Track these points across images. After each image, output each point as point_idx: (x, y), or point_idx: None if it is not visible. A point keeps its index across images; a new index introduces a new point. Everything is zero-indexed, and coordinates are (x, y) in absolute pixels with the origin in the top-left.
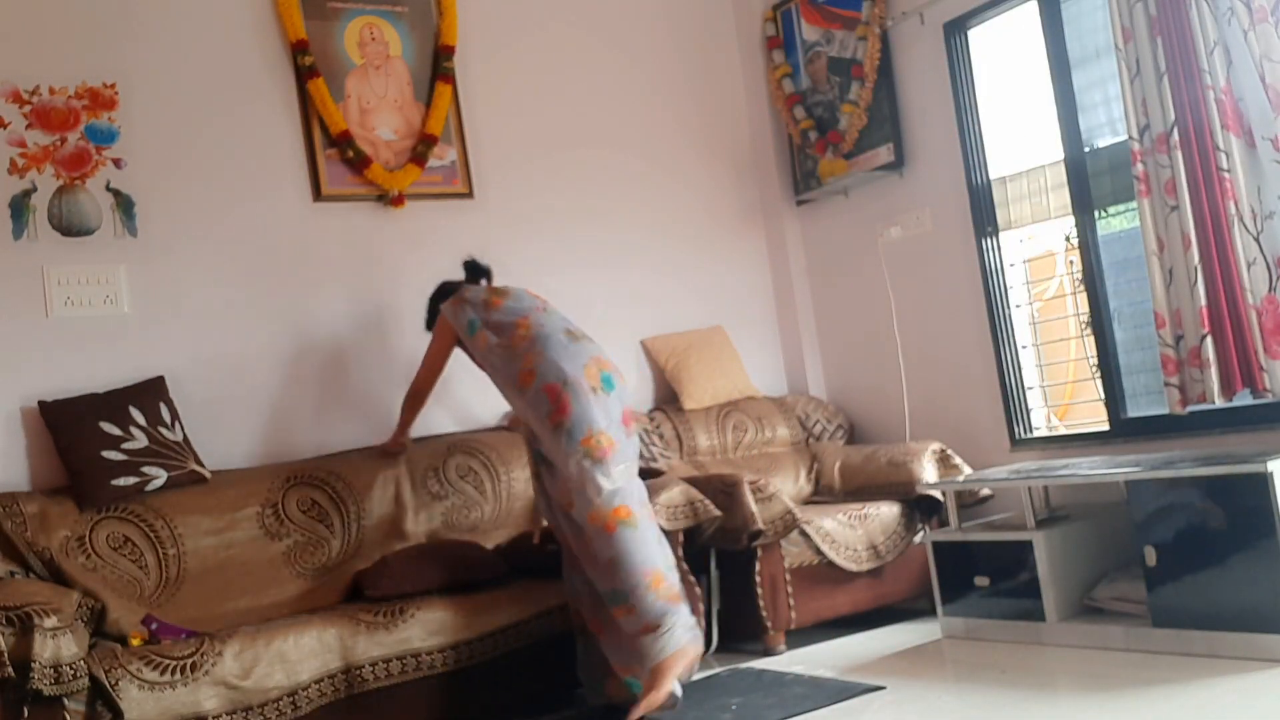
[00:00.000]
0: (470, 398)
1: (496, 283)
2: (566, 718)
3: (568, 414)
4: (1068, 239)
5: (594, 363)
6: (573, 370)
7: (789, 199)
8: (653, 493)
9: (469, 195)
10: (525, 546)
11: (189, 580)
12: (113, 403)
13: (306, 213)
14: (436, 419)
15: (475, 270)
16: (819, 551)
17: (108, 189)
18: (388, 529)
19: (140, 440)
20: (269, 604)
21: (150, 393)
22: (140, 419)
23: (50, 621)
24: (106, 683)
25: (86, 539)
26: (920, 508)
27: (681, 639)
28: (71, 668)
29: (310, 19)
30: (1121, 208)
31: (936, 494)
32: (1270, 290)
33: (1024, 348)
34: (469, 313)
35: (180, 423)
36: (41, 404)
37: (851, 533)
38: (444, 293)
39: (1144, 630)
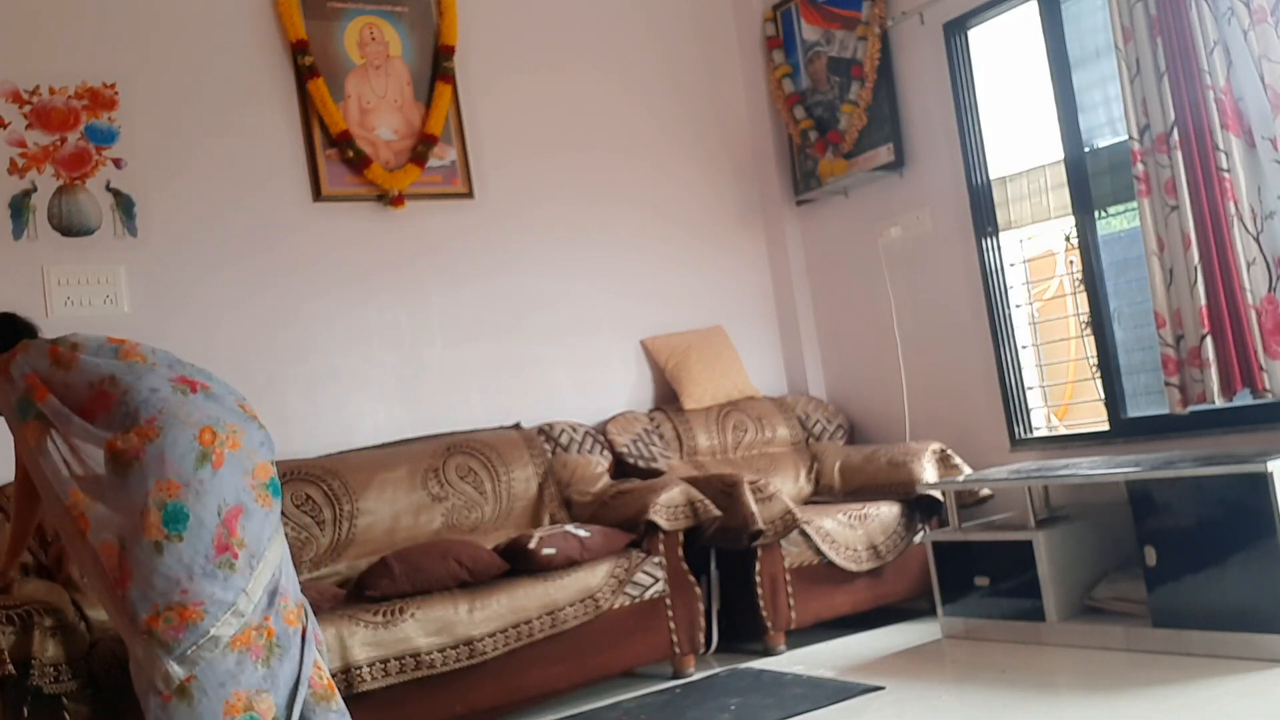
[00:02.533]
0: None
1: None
2: (572, 715)
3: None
4: (1068, 239)
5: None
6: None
7: (789, 199)
8: (653, 492)
9: (469, 195)
10: None
11: None
12: None
13: (306, 213)
14: (436, 418)
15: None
16: (819, 551)
17: (108, 189)
18: (386, 528)
19: None
20: None
21: None
22: None
23: (50, 620)
24: (106, 682)
25: None
26: (920, 508)
27: None
28: (72, 667)
29: (310, 19)
30: (1121, 208)
31: (936, 494)
32: (1270, 290)
33: (1024, 348)
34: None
35: None
36: None
37: (851, 533)
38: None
39: (1144, 630)
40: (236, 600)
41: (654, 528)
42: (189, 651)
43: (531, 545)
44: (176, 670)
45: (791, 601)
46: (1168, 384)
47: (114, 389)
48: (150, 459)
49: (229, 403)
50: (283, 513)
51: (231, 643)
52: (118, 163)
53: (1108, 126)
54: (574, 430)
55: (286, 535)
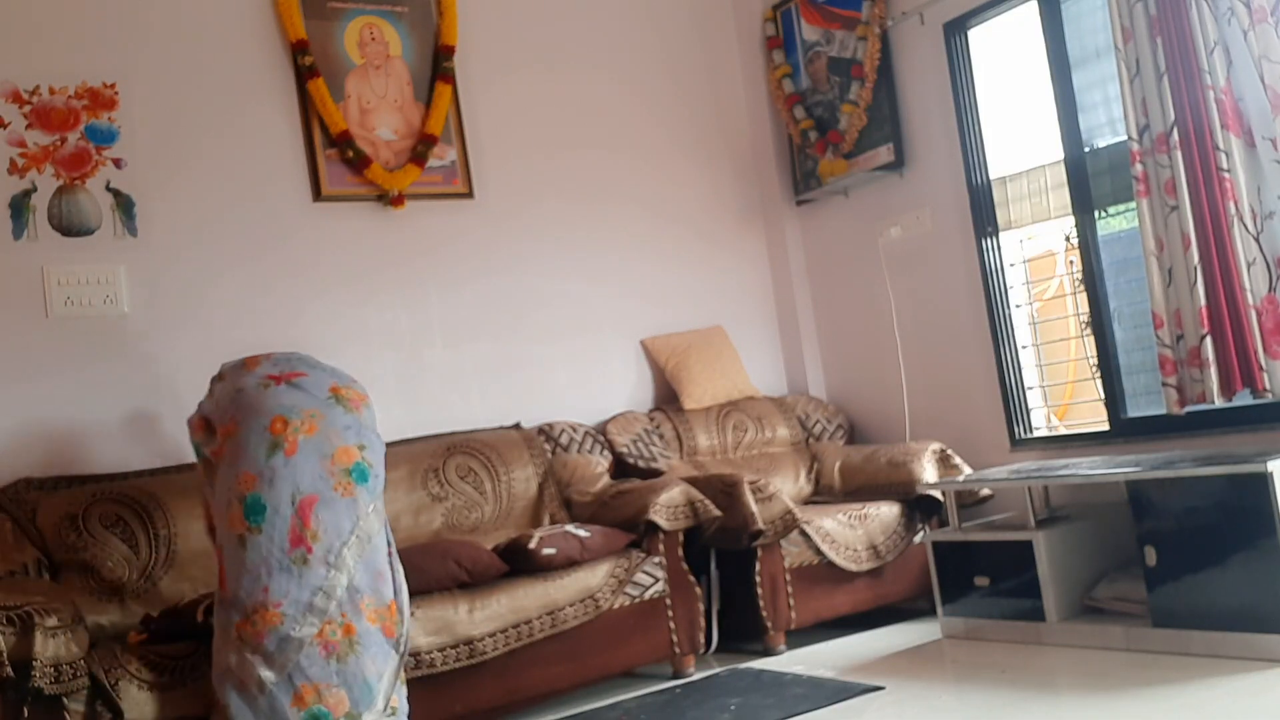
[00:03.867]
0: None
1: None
2: (572, 715)
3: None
4: (1068, 239)
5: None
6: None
7: (789, 199)
8: (653, 492)
9: (469, 195)
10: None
11: (177, 563)
12: None
13: (306, 213)
14: (436, 418)
15: None
16: (819, 551)
17: (108, 189)
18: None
19: None
20: None
21: None
22: None
23: (51, 621)
24: (106, 682)
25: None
26: (920, 508)
27: None
28: (71, 667)
29: (310, 19)
30: (1121, 208)
31: (936, 494)
32: (1270, 290)
33: (1024, 348)
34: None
35: None
36: None
37: (851, 533)
38: None
39: (1144, 630)
40: (314, 599)
41: (654, 528)
42: (275, 654)
43: (531, 545)
44: (269, 675)
45: (791, 601)
46: (1165, 384)
47: (227, 403)
48: (230, 453)
49: (318, 390)
50: None
51: (310, 639)
52: (118, 163)
53: (1108, 126)
54: (574, 430)
55: None
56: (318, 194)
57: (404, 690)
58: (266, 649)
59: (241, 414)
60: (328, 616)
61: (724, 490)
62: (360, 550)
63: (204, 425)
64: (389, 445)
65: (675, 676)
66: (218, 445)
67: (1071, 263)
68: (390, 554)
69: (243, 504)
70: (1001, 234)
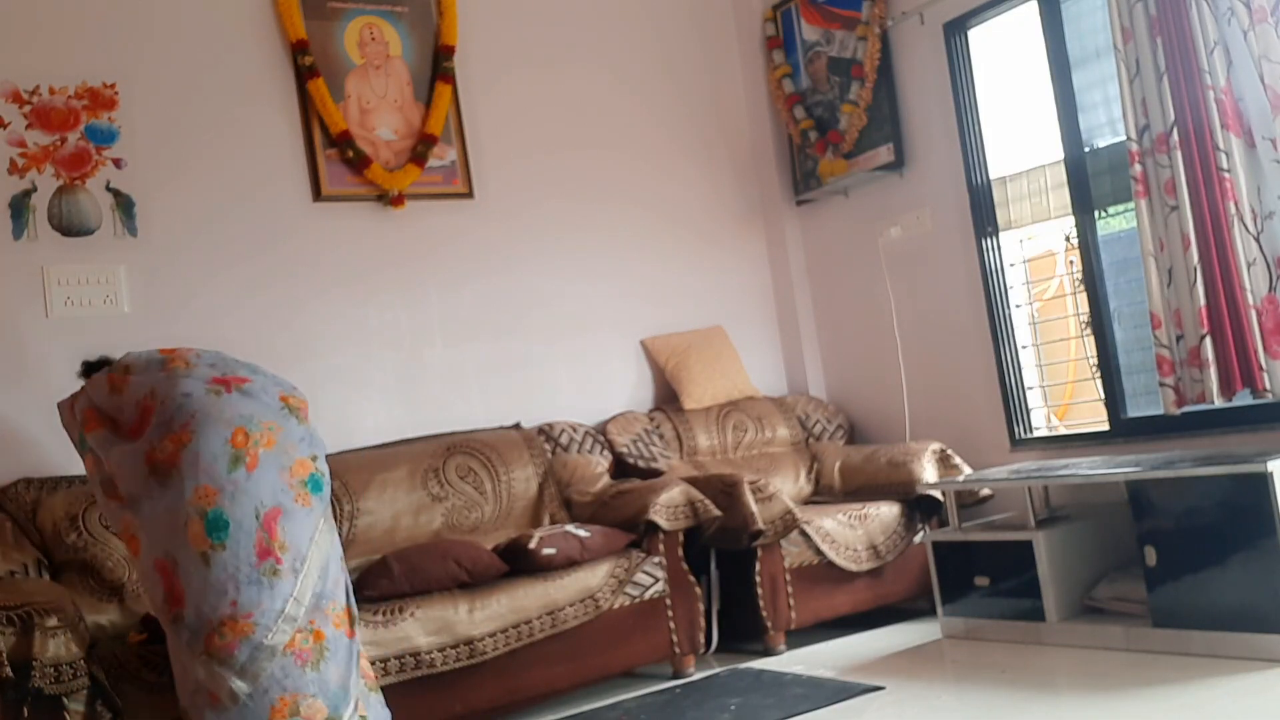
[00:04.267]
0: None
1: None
2: (572, 715)
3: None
4: (1068, 239)
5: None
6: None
7: (789, 199)
8: (653, 492)
9: (469, 195)
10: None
11: None
12: None
13: (306, 213)
14: (436, 418)
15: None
16: (819, 551)
17: (108, 189)
18: (386, 528)
19: None
20: None
21: None
22: None
23: (51, 621)
24: (106, 682)
25: (79, 518)
26: (920, 508)
27: None
28: (71, 667)
29: (310, 19)
30: (1121, 208)
31: (936, 494)
32: (1270, 290)
33: (1024, 348)
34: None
35: None
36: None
37: (851, 533)
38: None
39: (1144, 630)
40: (286, 607)
41: (654, 528)
42: (248, 665)
43: (531, 545)
44: (241, 686)
45: (791, 601)
46: (1162, 384)
47: (153, 401)
48: (186, 464)
49: (268, 398)
50: None
51: (283, 648)
52: (118, 163)
53: (1108, 126)
54: (574, 430)
55: None
56: (318, 194)
57: (377, 697)
58: (238, 660)
59: (196, 423)
60: (298, 625)
61: (724, 490)
62: (320, 556)
63: (97, 417)
64: (389, 445)
65: (675, 676)
66: (168, 450)
67: (1071, 263)
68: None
69: (204, 520)
70: (1001, 234)
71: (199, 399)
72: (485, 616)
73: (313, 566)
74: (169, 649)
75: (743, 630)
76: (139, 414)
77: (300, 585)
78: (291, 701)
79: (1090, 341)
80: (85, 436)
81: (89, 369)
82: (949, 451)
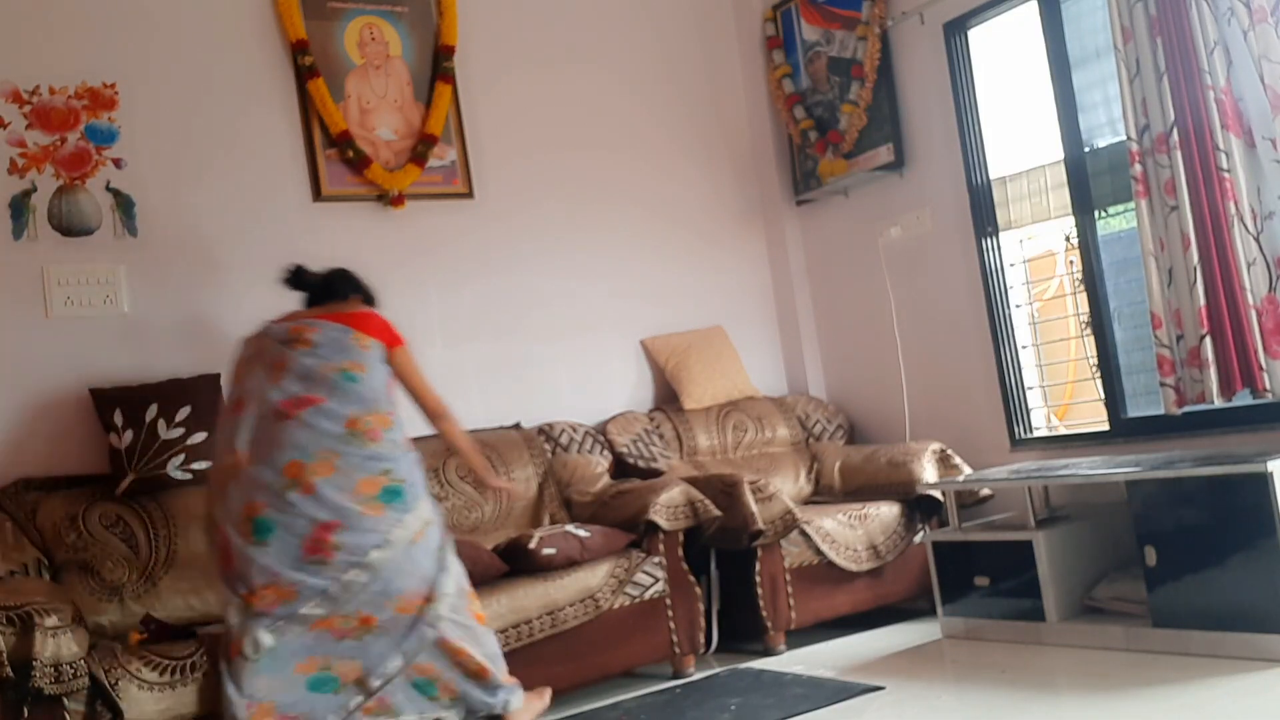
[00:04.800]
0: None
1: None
2: (572, 715)
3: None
4: (1068, 239)
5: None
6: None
7: (789, 199)
8: (653, 492)
9: (469, 195)
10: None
11: (177, 564)
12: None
13: (306, 213)
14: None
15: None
16: (819, 551)
17: (108, 189)
18: None
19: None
20: None
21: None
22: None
23: (51, 621)
24: (106, 682)
25: (79, 518)
26: (920, 508)
27: None
28: (72, 667)
29: (310, 19)
30: (1121, 208)
31: (936, 494)
32: (1270, 290)
33: (1024, 348)
34: None
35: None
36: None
37: (851, 533)
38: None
39: (1144, 630)
40: (328, 586)
41: (654, 528)
42: (279, 623)
43: (531, 545)
44: (266, 639)
45: (791, 601)
46: (1163, 384)
47: (248, 399)
48: (244, 481)
49: (335, 424)
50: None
51: (313, 624)
52: (118, 163)
53: (1108, 126)
54: (574, 430)
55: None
56: (318, 194)
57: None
58: (275, 615)
59: (256, 451)
60: (340, 610)
61: (724, 490)
62: (390, 554)
63: (253, 354)
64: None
65: (675, 676)
66: (237, 461)
67: (1071, 263)
68: (442, 548)
69: (252, 523)
70: (1001, 234)
71: (268, 420)
72: (485, 616)
73: (372, 568)
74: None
75: (743, 630)
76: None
77: (352, 575)
78: (322, 660)
79: (1090, 341)
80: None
81: (295, 279)
82: (949, 451)
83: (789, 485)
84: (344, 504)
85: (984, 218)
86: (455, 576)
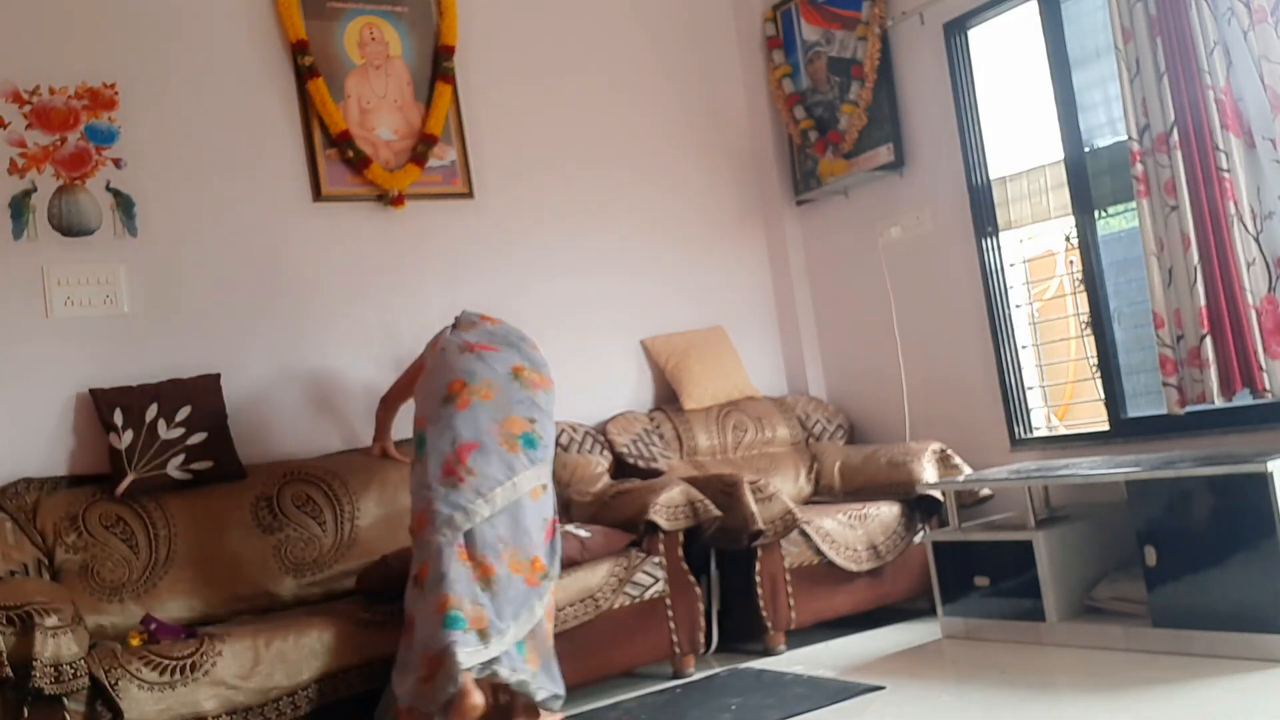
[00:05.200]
0: None
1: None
2: (572, 715)
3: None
4: (1068, 239)
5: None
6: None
7: (789, 199)
8: (653, 492)
9: (469, 195)
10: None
11: (177, 564)
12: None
13: (306, 213)
14: None
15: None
16: (819, 551)
17: (108, 189)
18: (388, 528)
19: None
20: (256, 593)
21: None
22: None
23: (51, 620)
24: (106, 682)
25: (80, 518)
26: (920, 508)
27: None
28: (72, 667)
29: (310, 19)
30: (1121, 208)
31: (936, 494)
32: (1270, 290)
33: (1024, 348)
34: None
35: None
36: (93, 391)
37: (851, 533)
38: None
39: (1144, 630)
40: (453, 514)
41: (654, 528)
42: (419, 549)
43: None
44: (415, 562)
45: (791, 601)
46: (1165, 384)
47: (438, 346)
48: (417, 399)
49: (500, 366)
50: (285, 513)
51: (458, 553)
52: (118, 163)
53: (1107, 126)
54: (574, 430)
55: (289, 535)
56: (318, 194)
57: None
58: (417, 541)
59: (433, 372)
60: (459, 542)
61: (724, 490)
62: (510, 497)
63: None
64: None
65: (675, 676)
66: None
67: (1071, 263)
68: (553, 523)
69: (415, 438)
70: (1001, 234)
71: (449, 354)
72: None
73: (498, 500)
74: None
75: (743, 630)
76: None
77: (475, 504)
78: (455, 600)
79: (1090, 341)
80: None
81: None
82: (949, 451)
83: (789, 485)
84: (489, 429)
85: (984, 218)
86: (559, 564)
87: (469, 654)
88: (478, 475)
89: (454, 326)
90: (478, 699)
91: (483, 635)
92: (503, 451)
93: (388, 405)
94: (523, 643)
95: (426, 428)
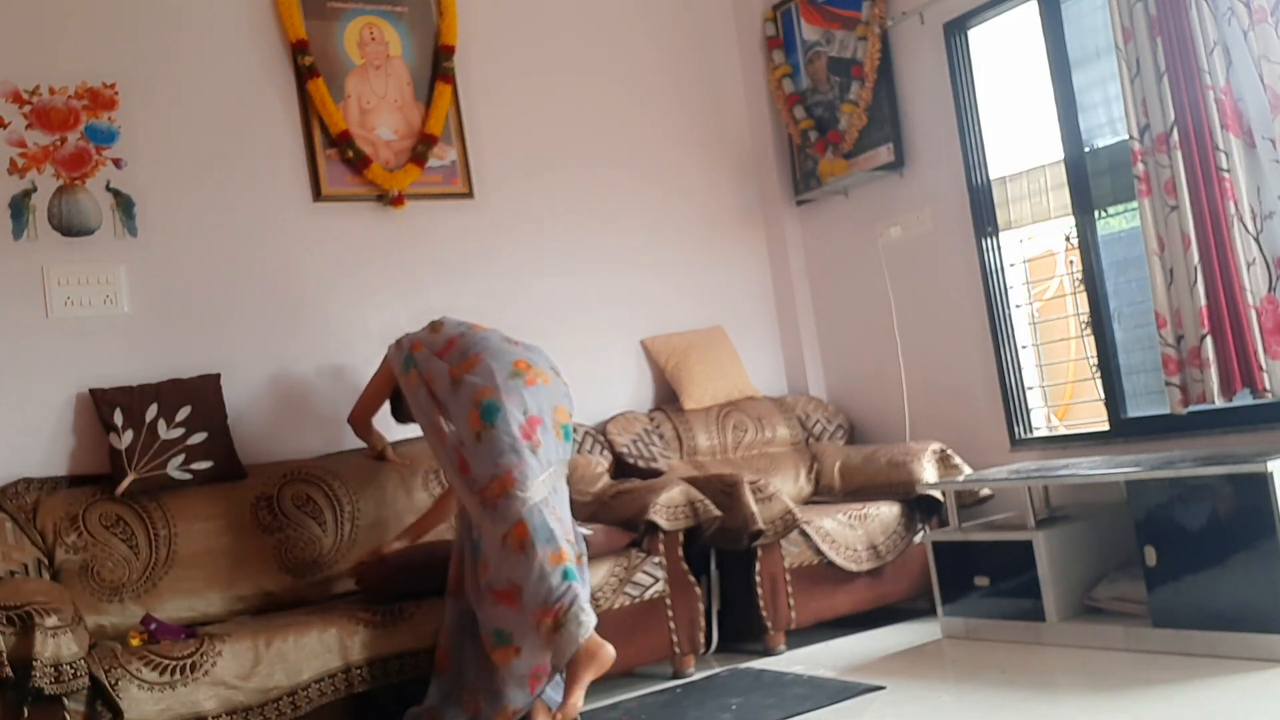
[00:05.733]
0: None
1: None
2: None
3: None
4: (1068, 239)
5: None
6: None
7: (789, 199)
8: (653, 492)
9: (469, 195)
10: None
11: (177, 564)
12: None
13: (306, 213)
14: None
15: None
16: (819, 551)
17: (108, 189)
18: (388, 528)
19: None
20: (256, 593)
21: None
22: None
23: (51, 620)
24: (106, 682)
25: (80, 518)
26: (920, 508)
27: (588, 623)
28: (72, 667)
29: (310, 19)
30: (1121, 208)
31: (936, 494)
32: (1270, 290)
33: (1024, 348)
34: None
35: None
36: (94, 391)
37: (851, 533)
38: None
39: (1144, 630)
40: (542, 474)
41: (654, 528)
42: (503, 512)
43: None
44: (501, 527)
45: (791, 601)
46: (1168, 384)
47: (459, 339)
48: (473, 376)
49: (545, 361)
50: (285, 513)
51: (552, 512)
52: (118, 163)
53: (1108, 126)
54: (574, 430)
55: (289, 535)
56: (318, 194)
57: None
58: (499, 508)
59: (488, 353)
60: (546, 493)
61: (724, 490)
62: (556, 481)
63: (421, 344)
64: (390, 445)
65: (675, 676)
66: (461, 368)
67: (1071, 263)
68: (571, 517)
69: (479, 408)
70: (1001, 234)
71: (494, 341)
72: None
73: (553, 480)
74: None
75: (743, 630)
76: (447, 345)
77: (550, 472)
78: (567, 555)
79: (1090, 341)
80: (412, 356)
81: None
82: (949, 451)
83: (789, 485)
84: (548, 411)
85: (984, 218)
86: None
87: (588, 610)
88: (543, 449)
89: (441, 321)
90: (610, 648)
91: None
92: (553, 437)
93: (360, 422)
94: None
95: (498, 396)
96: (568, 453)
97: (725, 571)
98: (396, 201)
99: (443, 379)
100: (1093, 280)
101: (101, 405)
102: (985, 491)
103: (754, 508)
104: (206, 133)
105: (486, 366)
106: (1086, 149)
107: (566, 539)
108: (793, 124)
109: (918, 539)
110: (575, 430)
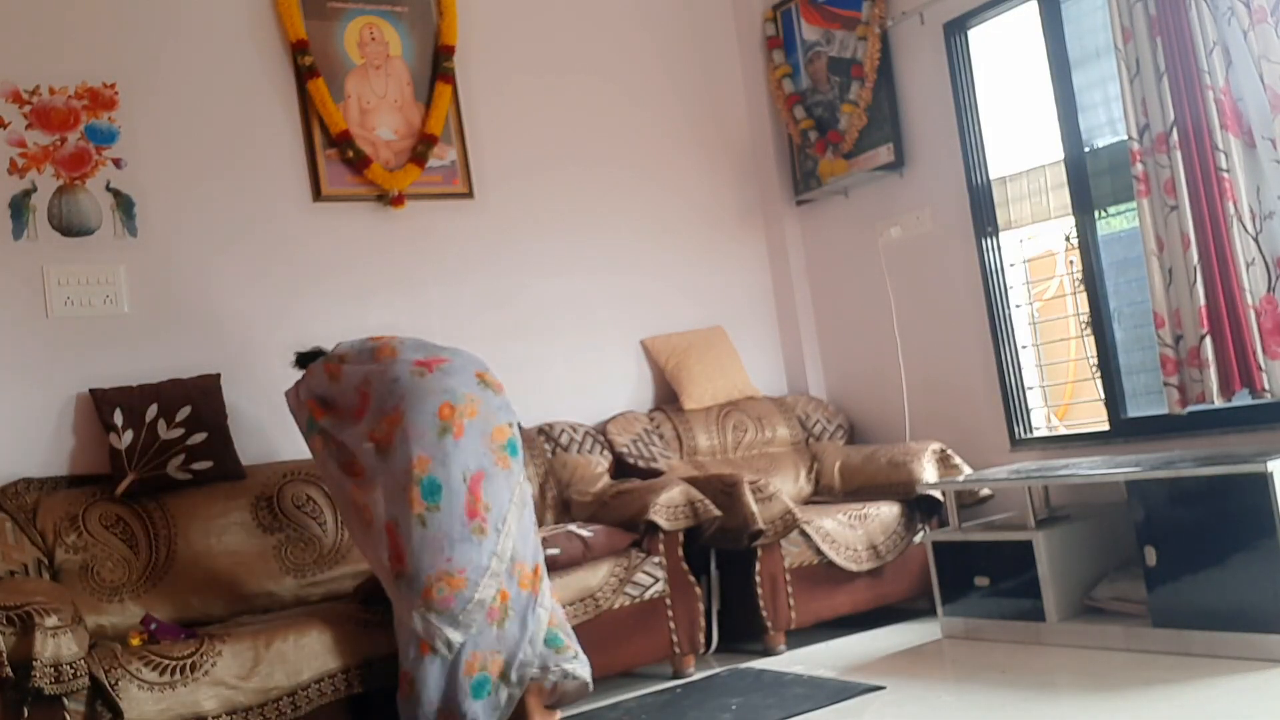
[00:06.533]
0: None
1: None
2: (572, 715)
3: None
4: (1068, 239)
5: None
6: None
7: (789, 199)
8: (653, 493)
9: (469, 195)
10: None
11: (177, 564)
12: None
13: (306, 213)
14: None
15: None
16: (819, 551)
17: (108, 189)
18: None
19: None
20: (256, 593)
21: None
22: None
23: (51, 620)
24: (106, 682)
25: (80, 518)
26: (920, 508)
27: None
28: (72, 667)
29: (310, 19)
30: (1121, 208)
31: (936, 494)
32: (1269, 290)
33: (1024, 348)
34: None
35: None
36: (94, 391)
37: (851, 533)
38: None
39: (1144, 630)
40: (490, 563)
41: (654, 528)
42: (461, 617)
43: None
44: (455, 636)
45: (791, 601)
46: (1167, 384)
47: (368, 388)
48: (400, 439)
49: (466, 375)
50: (285, 513)
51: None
52: (118, 163)
53: (1107, 126)
54: (574, 430)
55: (289, 535)
56: (318, 194)
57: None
58: (453, 612)
59: (406, 403)
60: (500, 582)
61: (724, 490)
62: (519, 515)
63: (321, 405)
64: None
65: (675, 676)
66: (384, 431)
67: (1071, 263)
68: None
69: (420, 485)
70: (1001, 234)
71: (406, 382)
72: None
73: (511, 526)
74: (394, 608)
75: (743, 630)
76: (359, 399)
77: (501, 543)
78: (481, 657)
79: (1090, 341)
80: (315, 421)
81: (302, 360)
82: (949, 451)
83: (789, 485)
84: (486, 452)
85: (984, 218)
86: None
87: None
88: (493, 509)
89: (340, 359)
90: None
91: (504, 678)
92: (499, 470)
93: None
94: (556, 633)
95: (432, 469)
96: (521, 468)
97: (725, 571)
98: (396, 201)
99: (365, 450)
100: (1092, 280)
101: (101, 405)
102: (985, 491)
103: (754, 508)
104: (206, 133)
105: (413, 426)
106: (1086, 149)
107: (519, 581)
108: (793, 124)
109: (918, 539)
110: (575, 429)
